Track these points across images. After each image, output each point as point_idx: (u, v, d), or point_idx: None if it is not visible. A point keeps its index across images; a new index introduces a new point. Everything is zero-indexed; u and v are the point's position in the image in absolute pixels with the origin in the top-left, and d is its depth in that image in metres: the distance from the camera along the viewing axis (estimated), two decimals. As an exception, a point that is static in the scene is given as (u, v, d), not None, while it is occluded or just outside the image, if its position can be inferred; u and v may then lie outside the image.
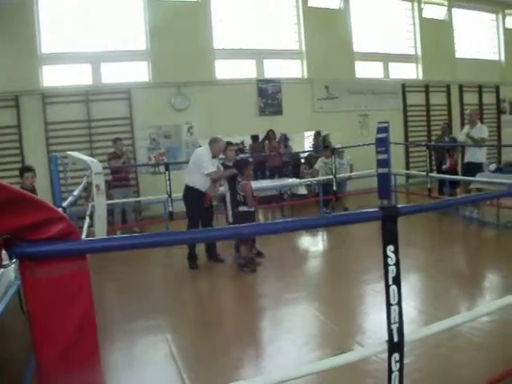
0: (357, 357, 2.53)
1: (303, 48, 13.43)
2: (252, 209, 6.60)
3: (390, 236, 2.15)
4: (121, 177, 9.56)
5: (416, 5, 15.25)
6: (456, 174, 9.69)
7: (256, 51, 12.88)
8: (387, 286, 2.15)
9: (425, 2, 15.37)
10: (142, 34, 11.58)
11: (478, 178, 8.53)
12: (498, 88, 17.16)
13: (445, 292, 5.29)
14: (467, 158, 8.95)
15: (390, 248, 2.14)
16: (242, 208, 6.50)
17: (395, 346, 2.19)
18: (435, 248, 7.20)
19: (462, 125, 16.12)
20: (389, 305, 2.16)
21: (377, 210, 2.19)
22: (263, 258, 6.86)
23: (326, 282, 5.98)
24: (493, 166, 8.67)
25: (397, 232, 2.17)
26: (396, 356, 2.19)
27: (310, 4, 13.39)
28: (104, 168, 9.64)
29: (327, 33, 13.33)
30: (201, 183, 6.72)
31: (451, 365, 3.56)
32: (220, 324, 4.78)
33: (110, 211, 10.04)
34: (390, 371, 2.19)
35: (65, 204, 5.28)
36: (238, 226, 2.47)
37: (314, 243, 8.32)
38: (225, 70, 12.48)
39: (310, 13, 13.36)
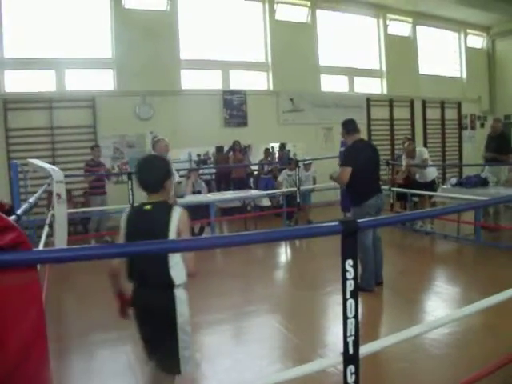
0: (314, 368, 2.53)
1: (269, 60, 13.54)
2: None
3: (349, 250, 2.17)
4: (99, 184, 9.48)
5: (381, 21, 15.56)
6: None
7: (222, 62, 12.92)
8: (345, 300, 2.17)
9: (390, 19, 15.68)
10: (107, 41, 11.48)
11: (439, 192, 8.73)
12: (459, 104, 17.62)
13: (404, 304, 5.36)
14: (418, 179, 9.13)
15: (349, 262, 2.15)
16: None
17: (350, 358, 2.21)
18: (395, 261, 7.29)
19: (425, 138, 16.54)
20: (346, 318, 2.18)
21: (337, 223, 2.20)
22: None
23: (287, 295, 5.99)
24: (453, 180, 8.86)
25: (356, 246, 2.19)
26: (351, 368, 2.21)
27: (277, 17, 13.51)
28: (81, 176, 9.73)
29: (293, 46, 13.47)
30: None
31: (411, 376, 3.62)
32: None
33: (87, 219, 10.03)
34: (346, 383, 2.20)
35: (19, 211, 5.18)
36: (197, 239, 2.44)
37: (275, 256, 8.32)
38: (190, 80, 12.46)
39: (277, 26, 13.49)
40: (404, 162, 9.29)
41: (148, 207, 2.71)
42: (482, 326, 4.34)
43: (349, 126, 5.89)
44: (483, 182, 8.22)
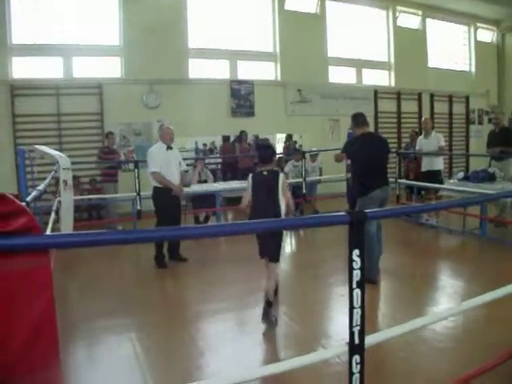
0: (318, 358, 2.55)
1: (277, 51, 13.49)
2: None
3: (356, 240, 2.17)
4: (113, 172, 9.49)
5: (391, 13, 15.45)
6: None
7: (230, 52, 12.88)
8: (351, 290, 2.17)
9: (400, 11, 15.58)
10: (115, 29, 11.45)
11: (446, 185, 8.71)
12: (467, 98, 17.51)
13: (408, 296, 5.37)
14: (425, 167, 9.11)
15: (356, 252, 2.16)
16: None
17: (356, 348, 2.22)
18: (399, 253, 7.28)
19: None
20: (352, 308, 2.18)
21: (344, 213, 2.20)
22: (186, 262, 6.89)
23: (292, 285, 5.99)
24: (460, 175, 8.82)
25: (363, 236, 2.19)
26: (357, 358, 2.22)
27: (286, 7, 13.44)
28: (96, 162, 9.76)
29: (302, 37, 13.41)
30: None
31: (413, 368, 3.63)
32: (185, 324, 4.75)
33: (101, 206, 10.26)
34: (351, 373, 2.21)
35: (28, 198, 5.19)
36: (203, 226, 2.47)
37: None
38: (198, 69, 12.43)
39: (286, 16, 13.42)
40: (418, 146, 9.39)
41: (265, 173, 4.63)
42: (485, 320, 4.34)
43: (358, 119, 6.04)
44: (490, 177, 8.17)
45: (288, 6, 13.48)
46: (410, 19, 15.96)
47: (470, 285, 5.69)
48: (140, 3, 11.35)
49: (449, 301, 5.24)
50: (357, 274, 2.17)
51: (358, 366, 2.22)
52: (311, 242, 8.58)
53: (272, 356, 4.00)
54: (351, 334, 2.21)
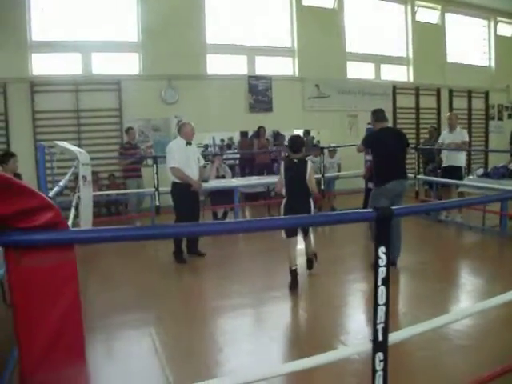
0: (341, 355, 2.53)
1: (295, 46, 13.44)
2: None
3: (382, 237, 2.15)
4: (135, 167, 9.51)
5: (409, 8, 15.31)
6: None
7: (248, 47, 12.86)
8: (376, 287, 2.15)
9: (418, 6, 15.44)
10: (133, 25, 11.49)
11: (465, 181, 8.63)
12: (487, 94, 17.30)
13: (428, 295, 5.31)
14: (447, 162, 9.00)
15: (382, 249, 2.12)
16: None
17: (379, 345, 2.19)
18: (419, 251, 7.22)
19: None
20: (376, 305, 2.16)
21: (371, 210, 2.18)
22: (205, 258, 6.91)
23: (309, 281, 5.98)
24: (480, 171, 8.73)
25: (390, 233, 2.16)
26: (380, 355, 2.19)
27: (304, 2, 13.38)
28: (117, 158, 9.82)
29: (320, 32, 13.31)
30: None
31: (435, 366, 3.59)
32: (204, 319, 4.75)
33: (119, 201, 10.45)
34: (374, 370, 2.19)
35: (51, 194, 5.23)
36: (226, 222, 2.46)
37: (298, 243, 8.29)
38: (216, 64, 12.43)
39: (304, 11, 13.36)
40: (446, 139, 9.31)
41: (296, 160, 5.62)
42: (505, 319, 4.28)
43: (378, 114, 6.36)
44: (511, 173, 8.08)
45: (306, 1, 13.41)
46: (428, 14, 15.78)
47: (490, 283, 5.61)
48: (156, -1, 11.38)
49: (469, 299, 5.21)
50: (382, 271, 2.13)
51: (382, 364, 2.20)
52: (329, 239, 8.53)
53: (290, 353, 3.99)
54: (375, 331, 2.18)
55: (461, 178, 8.79)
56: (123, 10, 11.44)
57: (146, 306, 5.11)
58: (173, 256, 6.76)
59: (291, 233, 5.51)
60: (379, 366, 2.19)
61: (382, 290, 2.16)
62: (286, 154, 6.28)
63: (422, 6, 15.56)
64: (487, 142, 17.43)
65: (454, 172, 8.78)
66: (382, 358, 2.20)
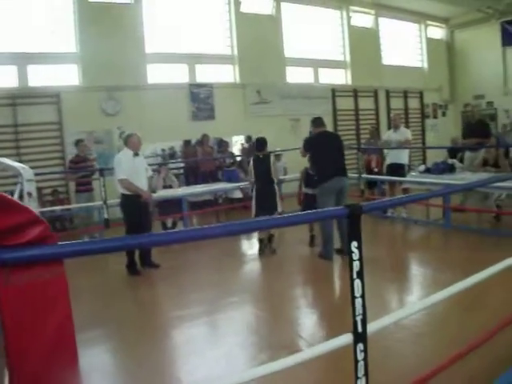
0: (323, 350, 2.52)
1: (235, 53, 13.54)
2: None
3: (354, 232, 2.23)
4: (85, 181, 9.21)
5: (345, 13, 15.73)
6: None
7: (188, 55, 12.86)
8: (352, 280, 2.21)
9: (353, 11, 15.85)
10: (71, 35, 11.26)
11: (409, 178, 8.95)
12: (421, 94, 17.99)
13: (384, 286, 5.48)
14: (390, 160, 9.35)
15: (354, 244, 2.21)
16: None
17: (359, 336, 2.26)
18: (370, 246, 7.36)
19: (389, 128, 16.76)
20: (353, 298, 2.22)
21: (342, 207, 2.28)
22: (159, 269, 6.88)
23: (265, 285, 6.05)
24: (422, 168, 9.08)
25: (360, 229, 2.24)
26: (361, 346, 2.25)
27: (242, 9, 13.51)
28: (65, 172, 9.53)
29: (259, 38, 13.48)
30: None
31: (397, 355, 3.74)
32: (165, 331, 4.68)
33: (64, 217, 10.13)
34: (356, 361, 2.25)
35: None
36: (188, 230, 2.47)
37: (247, 249, 8.35)
38: (157, 74, 12.36)
39: (243, 18, 13.50)
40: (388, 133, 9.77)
41: (261, 156, 7.33)
42: (457, 305, 4.43)
43: (316, 122, 7.09)
44: (451, 168, 8.44)
45: (244, 9, 13.56)
46: (363, 18, 16.28)
47: (439, 272, 5.81)
48: (94, 8, 11.21)
49: (423, 288, 5.43)
50: (356, 265, 2.21)
51: (363, 354, 2.26)
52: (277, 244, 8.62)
53: (260, 354, 3.96)
54: (354, 322, 2.25)
55: (404, 175, 9.09)
56: (60, 21, 11.15)
57: (102, 322, 4.94)
58: (126, 268, 6.67)
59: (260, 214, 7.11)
60: (360, 356, 2.26)
61: (357, 283, 2.23)
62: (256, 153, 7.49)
63: (357, 12, 16.00)
64: (424, 139, 18.08)
65: (397, 169, 9.09)
66: (362, 348, 2.26)
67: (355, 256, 2.22)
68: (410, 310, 2.90)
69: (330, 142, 6.92)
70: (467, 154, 9.22)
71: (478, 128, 9.26)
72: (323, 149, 6.77)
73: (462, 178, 7.77)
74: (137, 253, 6.80)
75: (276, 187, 7.31)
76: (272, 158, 7.43)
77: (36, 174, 6.34)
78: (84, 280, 6.64)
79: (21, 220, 1.53)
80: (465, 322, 4.18)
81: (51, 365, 1.61)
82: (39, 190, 9.36)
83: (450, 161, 8.78)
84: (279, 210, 7.25)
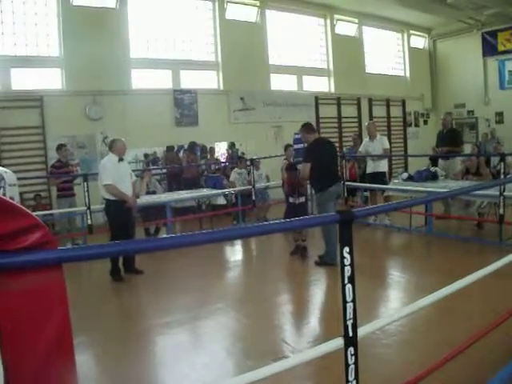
0: (315, 354, 2.52)
1: (219, 59, 13.58)
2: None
3: (346, 238, 2.25)
4: (66, 186, 9.13)
5: (329, 21, 15.86)
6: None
7: (172, 61, 12.86)
8: (343, 285, 2.23)
9: (337, 19, 16.00)
10: (55, 39, 11.19)
11: (392, 185, 9.04)
12: (404, 102, 18.18)
13: (370, 292, 5.48)
14: (371, 169, 9.43)
15: (346, 249, 2.23)
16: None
17: (350, 340, 2.27)
18: (354, 253, 7.42)
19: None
20: (345, 302, 2.24)
21: (335, 214, 2.30)
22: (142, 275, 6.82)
23: (247, 292, 6.05)
24: (404, 175, 9.14)
25: (352, 234, 2.26)
26: (351, 350, 2.27)
27: (227, 16, 13.56)
28: (46, 177, 9.45)
29: (243, 45, 13.55)
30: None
31: (386, 361, 3.76)
32: (150, 338, 4.66)
33: (46, 223, 9.75)
34: (347, 365, 2.26)
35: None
36: (175, 236, 2.46)
37: (230, 255, 8.37)
38: (141, 79, 12.34)
39: (227, 25, 13.54)
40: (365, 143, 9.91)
41: None
42: (441, 310, 4.48)
43: (309, 127, 7.05)
44: (433, 176, 8.54)
45: (229, 16, 13.61)
46: (347, 27, 16.44)
47: (422, 278, 5.92)
48: (79, 12, 11.14)
49: (407, 293, 5.53)
50: (347, 270, 2.23)
51: (353, 358, 2.28)
52: (260, 251, 8.62)
53: (247, 360, 3.95)
54: (345, 327, 2.26)
55: (385, 183, 9.18)
56: (44, 24, 11.08)
57: (85, 329, 4.82)
58: (110, 275, 6.63)
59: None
60: (351, 360, 2.27)
61: (348, 287, 2.25)
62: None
63: (341, 20, 16.15)
64: (406, 147, 18.27)
65: (378, 177, 9.17)
66: (353, 352, 2.28)
67: (347, 261, 2.24)
68: (398, 314, 2.93)
69: (328, 149, 7.01)
70: (440, 162, 9.35)
71: (449, 136, 9.40)
72: (324, 155, 6.79)
73: (445, 185, 7.86)
74: (121, 259, 6.76)
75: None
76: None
77: (18, 179, 6.32)
78: (67, 287, 6.57)
79: (22, 224, 1.51)
80: (449, 326, 4.23)
81: (49, 370, 1.58)
82: (21, 194, 9.27)
83: (432, 169, 8.88)
84: None
